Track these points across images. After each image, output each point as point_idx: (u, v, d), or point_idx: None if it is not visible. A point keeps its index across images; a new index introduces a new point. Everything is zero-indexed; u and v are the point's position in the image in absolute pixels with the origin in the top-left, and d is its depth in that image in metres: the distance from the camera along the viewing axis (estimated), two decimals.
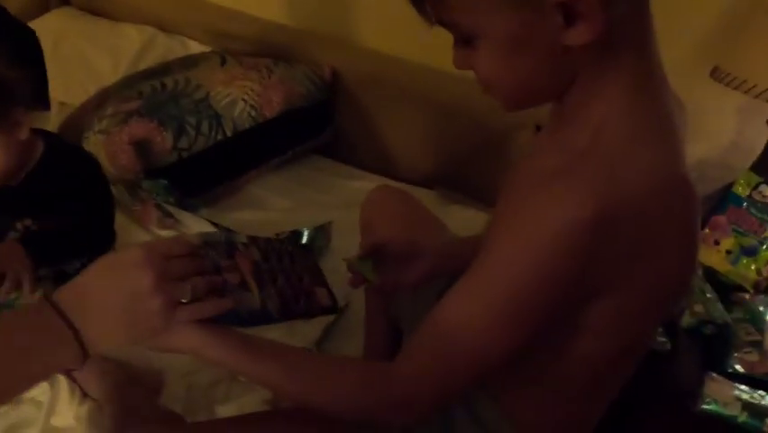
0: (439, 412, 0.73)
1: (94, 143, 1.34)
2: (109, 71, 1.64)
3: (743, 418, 0.99)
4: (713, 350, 1.11)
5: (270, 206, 1.49)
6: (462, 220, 1.43)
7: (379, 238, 0.85)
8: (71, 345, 0.53)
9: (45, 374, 0.59)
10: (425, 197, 1.49)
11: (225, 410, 0.98)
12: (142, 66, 1.62)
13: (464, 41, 0.56)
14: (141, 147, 1.31)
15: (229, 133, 1.42)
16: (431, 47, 1.58)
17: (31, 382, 0.55)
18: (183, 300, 0.56)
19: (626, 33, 0.53)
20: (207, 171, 1.42)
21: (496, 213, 0.67)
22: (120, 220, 1.39)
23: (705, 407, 1.00)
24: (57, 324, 0.53)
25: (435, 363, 0.59)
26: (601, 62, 0.54)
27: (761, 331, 1.11)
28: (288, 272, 0.73)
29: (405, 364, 0.60)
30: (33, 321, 0.53)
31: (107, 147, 1.31)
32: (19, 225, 1.00)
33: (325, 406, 0.62)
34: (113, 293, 0.54)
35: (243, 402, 0.98)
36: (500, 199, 0.66)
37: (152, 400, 0.98)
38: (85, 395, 0.99)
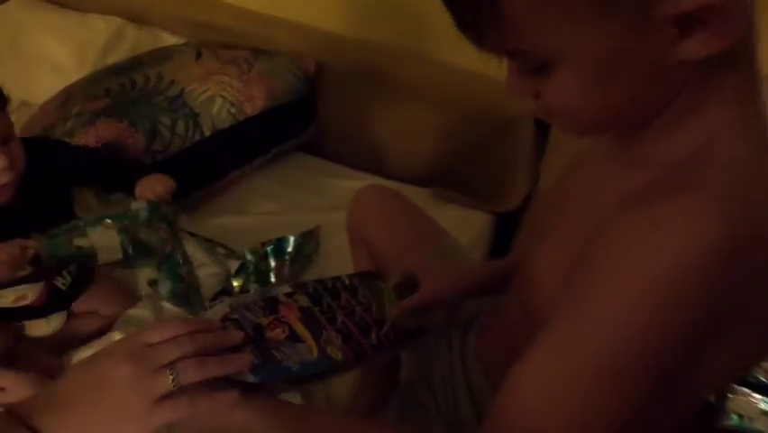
0: None
1: None
2: (74, 67, 1.52)
3: None
4: None
5: (254, 210, 1.39)
6: (459, 220, 1.35)
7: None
8: None
9: None
10: (419, 196, 1.41)
11: None
12: (111, 60, 1.50)
13: (538, 67, 0.46)
14: (111, 150, 1.20)
15: (207, 133, 1.31)
16: (422, 35, 1.52)
17: None
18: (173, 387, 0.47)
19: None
20: (185, 175, 1.30)
21: (546, 252, 0.56)
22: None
23: (730, 423, 0.94)
24: None
25: None
26: (712, 74, 0.44)
27: None
28: (350, 308, 0.66)
29: None
30: None
31: None
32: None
33: None
34: (87, 391, 0.47)
35: None
36: (546, 232, 0.56)
37: None
38: None
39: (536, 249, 0.60)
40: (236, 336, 0.54)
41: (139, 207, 1.00)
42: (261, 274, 1.18)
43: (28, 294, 0.97)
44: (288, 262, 1.21)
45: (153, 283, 1.09)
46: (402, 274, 0.74)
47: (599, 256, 0.45)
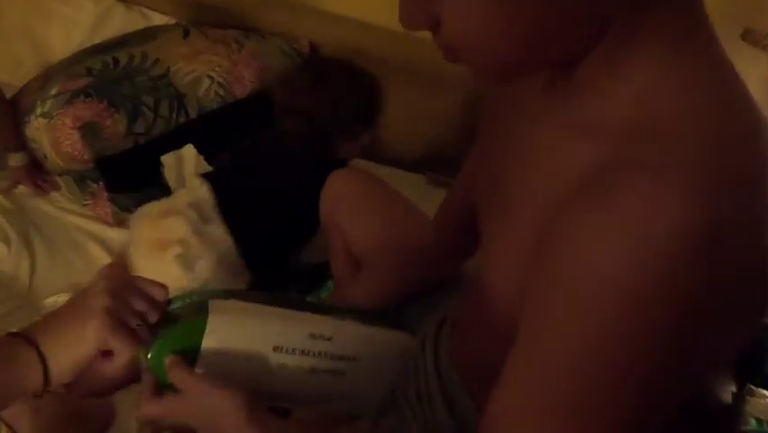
0: None
1: (36, 128, 1.17)
2: (60, 47, 1.46)
3: None
4: (748, 354, 0.97)
5: None
6: None
7: None
8: (37, 371, 0.51)
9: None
10: (414, 183, 1.35)
11: None
12: (98, 41, 1.44)
13: None
14: (89, 131, 1.14)
15: (193, 115, 1.25)
16: None
17: None
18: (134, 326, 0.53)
19: None
20: None
21: (497, 254, 0.51)
22: (71, 220, 1.24)
23: (749, 428, 0.86)
24: (25, 352, 0.51)
25: None
26: (640, 12, 0.38)
27: None
28: None
29: None
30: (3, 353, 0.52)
31: (50, 132, 1.15)
32: None
33: None
34: (68, 306, 0.55)
35: None
36: (493, 221, 0.50)
37: None
38: None
39: (487, 248, 0.55)
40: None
41: None
42: None
43: None
44: None
45: None
46: None
47: (554, 260, 0.39)
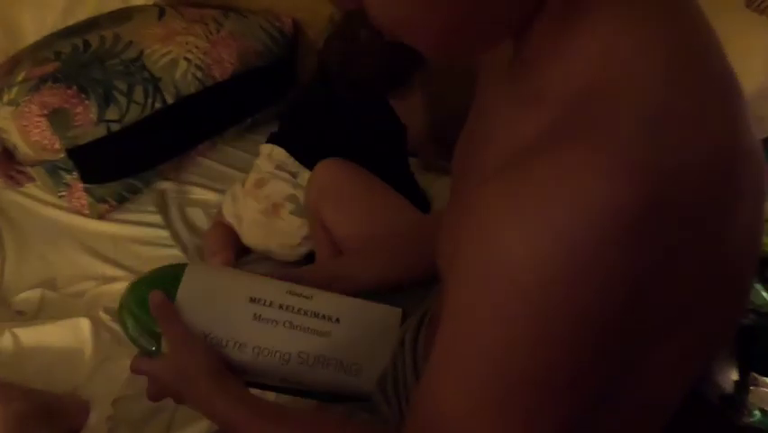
0: None
1: (3, 117, 1.10)
2: (32, 30, 1.39)
3: None
4: (754, 344, 0.92)
5: (226, 185, 1.27)
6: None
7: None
8: None
9: None
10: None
11: None
12: (72, 23, 1.38)
13: None
14: (58, 119, 1.08)
15: (170, 100, 1.19)
16: None
17: None
18: None
19: None
20: (146, 146, 1.20)
21: (446, 224, 0.48)
22: (45, 212, 1.19)
23: (752, 420, 0.82)
24: None
25: None
26: None
27: None
28: None
29: None
30: None
31: (17, 121, 1.08)
32: None
33: None
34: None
35: None
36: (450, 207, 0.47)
37: None
38: None
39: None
40: None
41: None
42: None
43: None
44: None
45: None
46: None
47: (463, 242, 0.36)
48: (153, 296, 0.56)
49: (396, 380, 0.60)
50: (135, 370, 0.58)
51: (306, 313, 0.58)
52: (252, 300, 0.57)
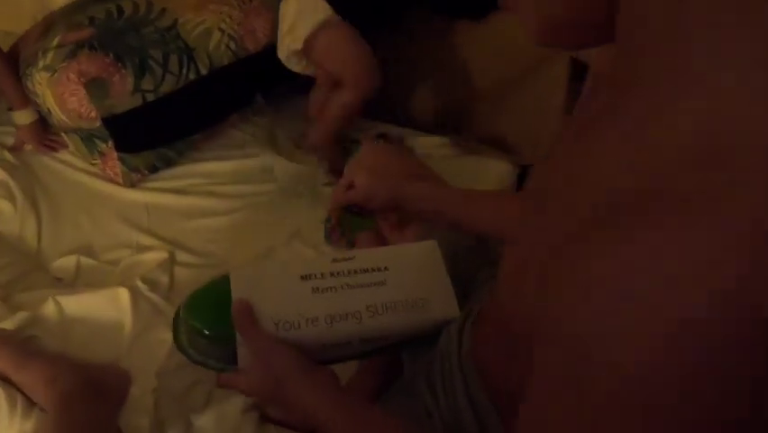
0: None
1: (38, 83, 1.10)
2: None
3: None
4: None
5: (255, 153, 1.27)
6: (480, 173, 1.23)
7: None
8: None
9: None
10: (433, 145, 1.29)
11: (203, 420, 0.81)
12: None
13: None
14: (96, 88, 1.07)
15: (204, 71, 1.18)
16: None
17: None
18: None
19: None
20: (180, 117, 1.19)
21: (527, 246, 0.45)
22: (79, 179, 1.20)
23: None
24: None
25: None
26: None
27: None
28: None
29: None
30: None
31: (53, 87, 1.08)
32: None
33: None
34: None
35: (224, 410, 0.81)
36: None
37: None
38: (32, 405, 0.81)
39: (524, 234, 0.49)
40: None
41: None
42: None
43: None
44: None
45: None
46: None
47: (556, 308, 0.32)
48: (238, 305, 0.56)
49: (443, 375, 0.61)
50: (225, 386, 0.59)
51: (356, 272, 0.61)
52: (304, 278, 0.60)
